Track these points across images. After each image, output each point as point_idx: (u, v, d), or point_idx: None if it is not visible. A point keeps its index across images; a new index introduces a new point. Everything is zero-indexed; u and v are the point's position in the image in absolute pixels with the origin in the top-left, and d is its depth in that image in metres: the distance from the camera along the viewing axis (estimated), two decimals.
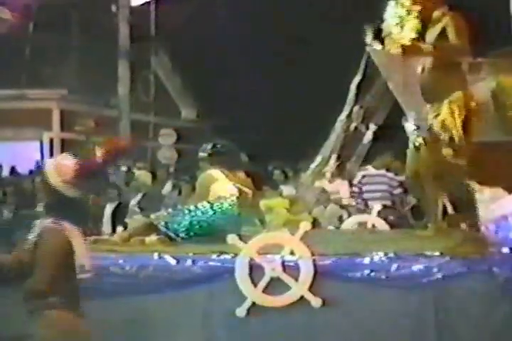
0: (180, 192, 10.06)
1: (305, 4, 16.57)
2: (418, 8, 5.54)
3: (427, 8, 5.62)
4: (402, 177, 8.24)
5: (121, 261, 5.81)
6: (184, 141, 19.11)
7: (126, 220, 8.60)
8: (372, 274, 5.16)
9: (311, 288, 5.23)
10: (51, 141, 18.56)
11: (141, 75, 19.97)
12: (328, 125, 9.80)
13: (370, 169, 8.97)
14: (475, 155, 5.91)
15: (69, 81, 18.27)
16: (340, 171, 9.68)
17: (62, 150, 18.42)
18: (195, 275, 5.47)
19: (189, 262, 5.50)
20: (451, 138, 5.50)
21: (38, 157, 18.58)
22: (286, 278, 5.29)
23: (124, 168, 14.15)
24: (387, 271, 5.17)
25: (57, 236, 4.18)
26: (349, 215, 8.68)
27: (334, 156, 9.55)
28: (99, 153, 4.25)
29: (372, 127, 9.64)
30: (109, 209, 10.46)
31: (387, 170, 8.75)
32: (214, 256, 5.48)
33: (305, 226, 5.48)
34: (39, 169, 17.95)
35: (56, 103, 18.53)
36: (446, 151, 5.55)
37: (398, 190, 8.73)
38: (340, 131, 9.69)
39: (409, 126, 5.87)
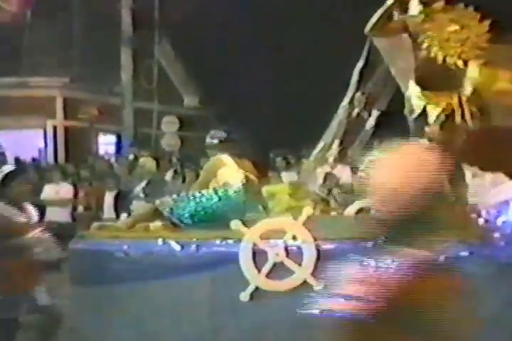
0: (184, 179, 10.10)
1: None
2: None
3: None
4: None
5: (125, 247, 5.87)
6: (187, 128, 19.14)
7: (132, 207, 8.66)
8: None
9: (313, 273, 5.28)
10: (55, 129, 18.57)
11: (143, 63, 19.96)
12: (331, 111, 9.81)
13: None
14: (475, 140, 5.93)
15: (72, 69, 18.27)
16: (342, 157, 9.70)
17: (66, 138, 18.49)
18: (199, 260, 5.52)
19: (193, 248, 5.55)
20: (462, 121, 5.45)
21: (42, 145, 18.62)
22: (289, 263, 5.34)
23: (131, 156, 14.21)
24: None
25: None
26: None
27: (337, 142, 9.56)
28: None
29: (375, 113, 9.64)
30: (109, 197, 10.50)
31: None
32: (218, 242, 5.53)
33: (307, 211, 5.52)
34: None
35: (59, 91, 18.53)
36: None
37: None
38: (343, 117, 9.69)
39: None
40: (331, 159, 9.67)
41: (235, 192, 6.18)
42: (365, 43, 9.39)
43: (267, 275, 5.39)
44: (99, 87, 18.48)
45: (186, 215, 6.13)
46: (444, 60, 5.72)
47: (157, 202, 6.43)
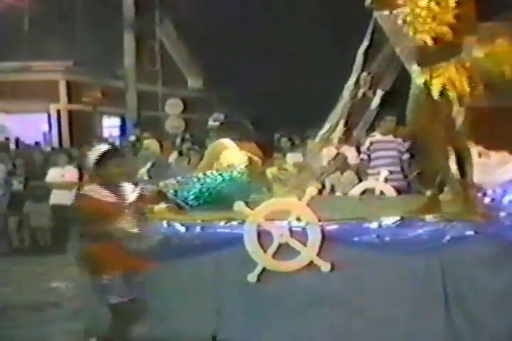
0: (189, 161, 10.08)
1: None
2: None
3: None
4: (408, 143, 8.22)
5: None
6: (191, 110, 19.12)
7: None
8: (380, 239, 5.19)
9: (319, 253, 5.27)
10: (58, 113, 18.58)
11: (146, 45, 19.91)
12: (336, 92, 9.74)
13: (377, 136, 8.93)
14: (481, 119, 5.88)
15: (75, 52, 18.22)
16: (347, 137, 9.66)
17: (70, 122, 18.49)
18: (204, 242, 5.52)
19: (198, 229, 5.55)
20: (460, 97, 5.38)
21: (46, 129, 18.64)
22: (294, 244, 5.33)
23: (132, 138, 14.19)
24: (394, 236, 5.19)
25: None
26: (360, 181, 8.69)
27: (342, 122, 9.50)
28: None
29: (380, 93, 9.57)
30: None
31: (394, 135, 8.70)
32: (223, 223, 5.52)
33: (311, 191, 5.50)
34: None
35: (62, 75, 18.51)
36: (457, 109, 5.45)
37: (406, 156, 8.70)
38: (348, 97, 9.61)
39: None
40: (335, 140, 9.63)
41: (239, 173, 6.18)
42: (370, 23, 9.32)
43: (274, 256, 5.39)
44: (102, 70, 18.45)
45: (191, 197, 6.13)
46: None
47: (161, 184, 6.42)
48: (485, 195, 5.68)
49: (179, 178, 6.34)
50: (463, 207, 5.39)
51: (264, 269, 5.39)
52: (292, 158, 9.60)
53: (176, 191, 6.19)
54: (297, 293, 5.33)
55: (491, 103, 6.60)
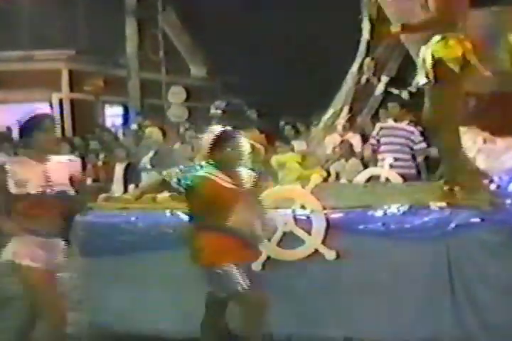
0: (192, 150, 10.02)
1: None
2: None
3: None
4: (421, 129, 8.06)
5: (133, 219, 5.84)
6: (194, 98, 19.05)
7: (142, 177, 8.63)
8: (386, 226, 5.15)
9: (324, 242, 5.23)
10: (60, 102, 18.53)
11: (149, 33, 19.83)
12: (340, 78, 9.68)
13: (389, 122, 8.74)
14: (487, 105, 5.82)
15: (77, 41, 18.17)
16: (351, 124, 9.58)
17: (72, 111, 18.44)
18: None
19: None
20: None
21: None
22: (299, 232, 5.29)
23: (134, 126, 14.14)
24: (400, 223, 5.15)
25: None
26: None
27: (346, 109, 9.43)
28: None
29: (384, 79, 9.50)
30: (118, 169, 10.45)
31: (395, 120, 8.56)
32: None
33: (315, 179, 5.44)
34: None
35: (64, 63, 18.46)
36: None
37: (420, 146, 8.47)
38: (352, 83, 9.55)
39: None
40: (340, 127, 9.56)
41: None
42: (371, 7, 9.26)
43: (278, 245, 5.35)
44: (104, 59, 18.39)
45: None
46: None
47: (164, 172, 6.37)
48: (491, 181, 5.61)
49: (182, 167, 6.29)
50: (469, 194, 5.33)
51: (268, 258, 5.35)
52: (297, 145, 9.53)
53: (179, 179, 6.13)
54: (304, 281, 5.29)
55: (497, 88, 6.54)
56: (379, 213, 5.22)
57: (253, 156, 6.20)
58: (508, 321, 4.87)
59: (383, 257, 5.12)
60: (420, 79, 5.27)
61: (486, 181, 5.59)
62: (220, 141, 4.78)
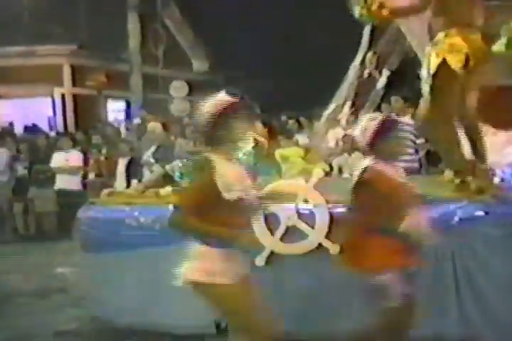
0: (195, 145, 10.01)
1: None
2: None
3: None
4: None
5: (136, 213, 5.83)
6: (196, 93, 19.01)
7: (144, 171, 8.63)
8: None
9: (327, 236, 5.21)
10: (63, 97, 18.52)
11: (151, 28, 19.79)
12: (342, 72, 9.65)
13: (392, 116, 8.73)
14: (489, 98, 5.79)
15: (79, 36, 18.14)
16: (354, 118, 9.56)
17: (75, 106, 18.43)
18: None
19: None
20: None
21: (50, 113, 18.58)
22: (302, 226, 5.28)
23: (137, 120, 14.11)
24: None
25: None
26: None
27: (348, 103, 9.41)
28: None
29: (386, 73, 9.46)
30: (121, 164, 10.44)
31: (397, 114, 8.54)
32: None
33: (318, 173, 5.43)
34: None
35: (66, 58, 18.43)
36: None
37: (420, 140, 8.47)
38: (354, 77, 9.51)
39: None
40: (342, 121, 9.54)
41: (244, 154, 6.10)
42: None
43: (282, 239, 5.34)
44: (106, 54, 18.36)
45: None
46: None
47: (167, 167, 6.37)
48: (494, 175, 5.60)
49: (185, 161, 6.29)
50: (472, 188, 5.31)
51: (272, 252, 5.34)
52: (300, 139, 9.51)
53: (181, 174, 6.13)
54: (305, 276, 5.28)
55: (499, 82, 6.52)
56: None
57: (256, 150, 6.20)
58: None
59: None
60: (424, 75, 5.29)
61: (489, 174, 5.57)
62: (384, 130, 4.30)
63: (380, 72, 9.62)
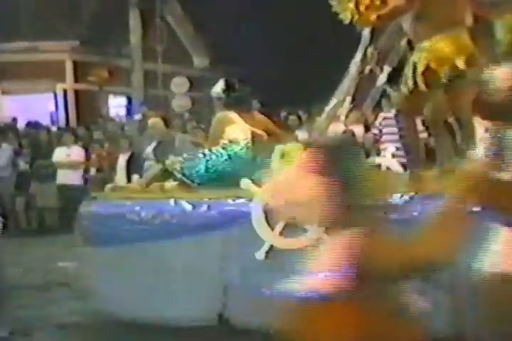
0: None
1: None
2: None
3: None
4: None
5: (137, 208, 5.86)
6: (197, 89, 19.04)
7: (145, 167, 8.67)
8: (386, 215, 5.14)
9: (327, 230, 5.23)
10: (65, 92, 18.56)
11: (152, 24, 19.81)
12: (343, 68, 9.66)
13: (392, 111, 8.76)
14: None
15: (81, 32, 18.17)
16: (354, 114, 9.59)
17: (77, 101, 18.46)
18: (210, 220, 5.50)
19: (205, 207, 5.53)
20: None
21: (52, 108, 18.61)
22: None
23: (138, 116, 14.15)
24: (400, 212, 5.15)
25: None
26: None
27: (349, 99, 9.42)
28: None
29: (387, 69, 9.47)
30: (122, 159, 10.49)
31: (397, 111, 8.55)
32: (230, 201, 5.50)
33: None
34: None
35: (68, 54, 18.47)
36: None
37: (423, 135, 8.46)
38: (355, 73, 9.52)
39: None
40: (342, 117, 9.56)
41: (241, 148, 6.11)
42: None
43: (281, 234, 5.36)
44: (108, 50, 18.39)
45: (197, 174, 6.09)
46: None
47: (168, 162, 6.39)
48: None
49: (185, 155, 6.31)
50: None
51: (271, 247, 5.37)
52: (300, 135, 9.53)
53: (182, 168, 6.16)
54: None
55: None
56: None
57: (255, 143, 6.20)
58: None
59: None
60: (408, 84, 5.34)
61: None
62: None
63: (381, 69, 9.63)
